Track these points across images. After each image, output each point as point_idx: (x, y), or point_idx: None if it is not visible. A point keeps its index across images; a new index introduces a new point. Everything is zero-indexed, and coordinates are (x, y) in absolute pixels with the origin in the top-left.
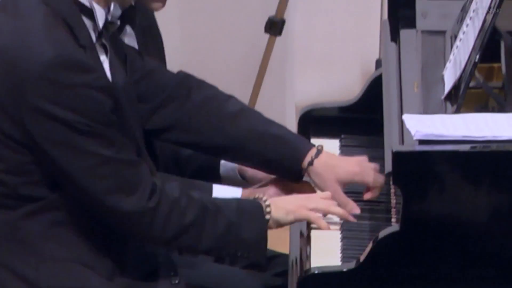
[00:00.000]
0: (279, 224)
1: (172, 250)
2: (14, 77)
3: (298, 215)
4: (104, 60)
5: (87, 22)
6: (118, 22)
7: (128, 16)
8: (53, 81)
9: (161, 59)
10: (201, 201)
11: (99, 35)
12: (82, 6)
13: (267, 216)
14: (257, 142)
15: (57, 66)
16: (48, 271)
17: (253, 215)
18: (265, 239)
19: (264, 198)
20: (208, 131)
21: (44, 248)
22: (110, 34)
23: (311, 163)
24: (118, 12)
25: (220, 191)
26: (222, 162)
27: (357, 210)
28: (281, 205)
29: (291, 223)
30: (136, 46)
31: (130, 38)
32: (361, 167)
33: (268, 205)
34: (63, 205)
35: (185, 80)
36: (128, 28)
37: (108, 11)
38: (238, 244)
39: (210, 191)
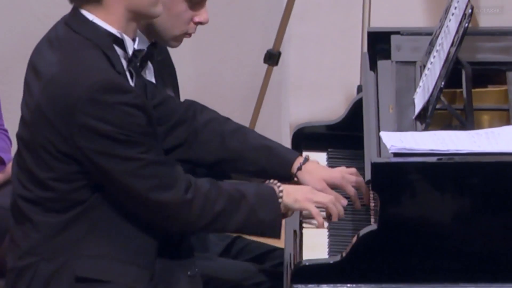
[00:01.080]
0: (287, 209)
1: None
2: (65, 100)
3: (304, 205)
4: (132, 82)
5: (118, 50)
6: (145, 49)
7: (149, 53)
8: (98, 102)
9: (175, 87)
10: (228, 190)
11: (129, 62)
12: (114, 36)
13: (280, 200)
14: (253, 153)
15: (101, 89)
16: (90, 264)
17: (269, 199)
18: (279, 218)
19: (278, 184)
20: (211, 146)
21: (87, 245)
22: (137, 61)
23: (299, 168)
24: (145, 44)
25: None
26: None
27: (344, 202)
28: (291, 192)
29: (296, 210)
30: (153, 78)
31: (149, 71)
32: (341, 174)
33: (281, 190)
34: (102, 206)
35: (191, 106)
36: (148, 63)
37: (134, 41)
38: (258, 225)
39: None
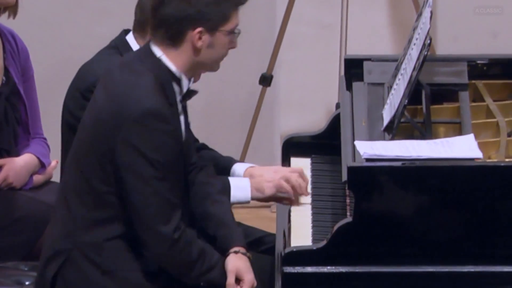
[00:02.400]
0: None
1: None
2: (118, 115)
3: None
4: (181, 118)
5: (175, 87)
6: (198, 90)
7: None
8: (142, 124)
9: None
10: (203, 252)
11: (183, 98)
12: (173, 75)
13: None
14: (212, 221)
15: (149, 115)
16: (112, 258)
17: (219, 267)
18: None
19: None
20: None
21: (111, 243)
22: (187, 98)
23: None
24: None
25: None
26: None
27: None
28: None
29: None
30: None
31: None
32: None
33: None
34: (125, 213)
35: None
36: None
37: (190, 81)
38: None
39: (228, 183)
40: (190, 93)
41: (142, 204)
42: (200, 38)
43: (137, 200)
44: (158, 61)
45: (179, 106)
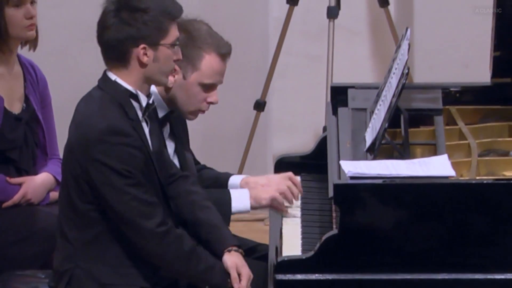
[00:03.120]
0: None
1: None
2: (84, 139)
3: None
4: (146, 130)
5: (134, 104)
6: (154, 104)
7: (167, 117)
8: (105, 141)
9: (186, 135)
10: (195, 249)
11: (144, 112)
12: (130, 92)
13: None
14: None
15: (108, 132)
16: (110, 273)
17: (220, 272)
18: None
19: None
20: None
21: (108, 258)
22: (150, 112)
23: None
24: (165, 111)
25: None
26: (229, 182)
27: None
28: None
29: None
30: (167, 135)
31: (166, 130)
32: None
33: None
34: (113, 227)
35: (182, 181)
36: (167, 124)
37: (149, 98)
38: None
39: (229, 194)
40: (149, 106)
41: (124, 210)
42: (145, 53)
43: (119, 209)
44: (115, 83)
45: (142, 121)
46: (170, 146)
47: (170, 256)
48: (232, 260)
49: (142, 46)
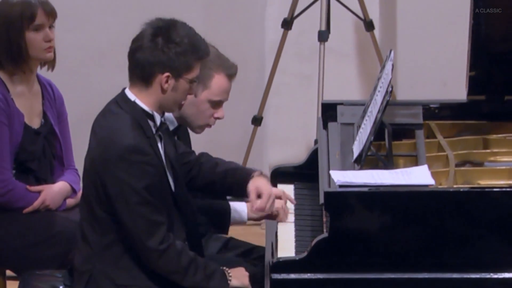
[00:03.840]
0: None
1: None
2: (105, 155)
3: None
4: (160, 144)
5: (150, 122)
6: (168, 123)
7: (176, 130)
8: (126, 159)
9: (189, 145)
10: (193, 258)
11: (157, 130)
12: (147, 113)
13: (230, 281)
14: (228, 174)
15: (129, 151)
16: (123, 275)
17: (221, 277)
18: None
19: (229, 272)
20: (206, 173)
21: (121, 261)
22: (164, 129)
23: (252, 177)
24: (174, 125)
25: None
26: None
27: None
28: (235, 275)
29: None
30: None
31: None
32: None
33: (230, 275)
34: (120, 239)
35: (199, 157)
36: (176, 139)
37: (162, 116)
38: None
39: (229, 207)
40: (162, 125)
41: (131, 225)
42: (167, 81)
43: (127, 223)
44: (134, 103)
45: (156, 137)
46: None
47: (169, 269)
48: (252, 184)
49: (166, 74)
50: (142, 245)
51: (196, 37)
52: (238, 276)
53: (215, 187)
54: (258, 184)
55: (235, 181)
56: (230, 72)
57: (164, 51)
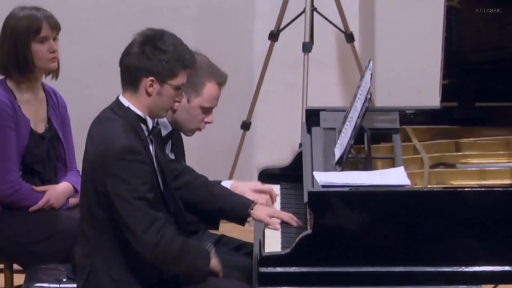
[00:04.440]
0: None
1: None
2: (103, 157)
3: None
4: (151, 147)
5: (143, 126)
6: (162, 127)
7: (170, 135)
8: (123, 159)
9: (181, 148)
10: (183, 243)
11: (149, 133)
12: (140, 117)
13: (210, 258)
14: (224, 198)
15: (125, 151)
16: (119, 270)
17: (203, 257)
18: (207, 271)
19: (210, 252)
20: (198, 191)
21: (117, 257)
22: (155, 133)
23: (252, 208)
24: (168, 129)
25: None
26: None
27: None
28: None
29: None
30: (169, 150)
31: (168, 146)
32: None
33: (211, 253)
34: (117, 236)
35: (188, 169)
36: (169, 141)
37: (153, 121)
38: (195, 271)
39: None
40: (154, 129)
41: (129, 220)
42: (151, 85)
43: (125, 217)
44: (128, 109)
45: (148, 140)
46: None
47: (164, 258)
48: (260, 212)
49: (151, 78)
50: (139, 237)
51: (182, 47)
52: (214, 264)
53: (206, 206)
54: (267, 212)
55: (230, 207)
56: (221, 80)
57: (149, 57)
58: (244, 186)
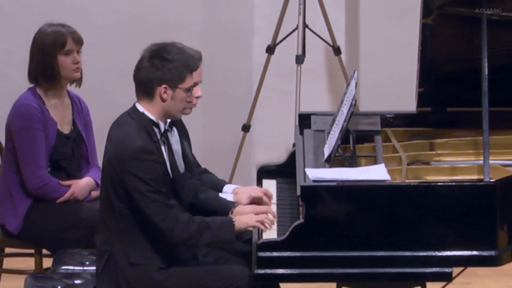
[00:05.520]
0: (239, 229)
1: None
2: (121, 156)
3: (250, 224)
4: (164, 148)
5: (156, 129)
6: (170, 129)
7: (172, 124)
8: (138, 158)
9: (188, 138)
10: (200, 223)
11: (161, 136)
12: (153, 121)
13: (234, 224)
14: (212, 201)
15: (139, 151)
16: (136, 255)
17: (227, 227)
18: (234, 238)
19: (233, 217)
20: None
21: (135, 243)
22: (166, 135)
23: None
24: (166, 124)
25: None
26: (224, 189)
27: (270, 215)
28: (240, 220)
29: (245, 229)
30: (177, 136)
31: (174, 133)
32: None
33: (234, 221)
34: (141, 221)
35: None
36: (174, 128)
37: (165, 124)
38: (220, 241)
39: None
40: (166, 131)
41: (147, 210)
42: (165, 92)
43: (143, 208)
44: (142, 114)
45: (161, 141)
46: (178, 149)
47: (183, 239)
48: (242, 217)
49: (164, 86)
50: (156, 224)
51: (185, 54)
52: (242, 222)
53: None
54: (246, 212)
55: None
56: (197, 56)
57: (159, 68)
58: (242, 193)
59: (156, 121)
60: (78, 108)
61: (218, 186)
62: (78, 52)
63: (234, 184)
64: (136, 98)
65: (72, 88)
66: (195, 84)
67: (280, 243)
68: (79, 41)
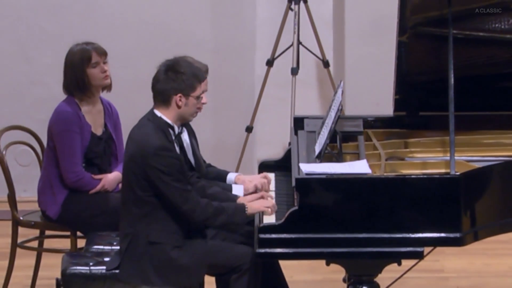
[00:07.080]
0: (251, 214)
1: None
2: (143, 153)
3: (261, 209)
4: (177, 148)
5: (171, 131)
6: (183, 131)
7: (183, 124)
8: (158, 155)
9: (197, 142)
10: (216, 206)
11: (175, 138)
12: (169, 124)
13: (246, 210)
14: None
15: (160, 148)
16: (155, 234)
17: (241, 211)
18: (245, 221)
19: (245, 204)
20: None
21: (155, 225)
22: (179, 136)
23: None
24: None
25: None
26: (228, 177)
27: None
28: (252, 206)
29: (255, 214)
30: (187, 136)
31: (186, 133)
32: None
33: (246, 207)
34: (161, 206)
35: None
36: (184, 129)
37: (179, 128)
38: (234, 223)
39: (231, 188)
40: (180, 133)
41: (171, 196)
42: (180, 100)
43: (167, 195)
44: (160, 119)
45: (175, 142)
46: (189, 149)
47: (202, 219)
48: (254, 203)
49: (179, 95)
50: (180, 209)
51: (194, 66)
52: (253, 207)
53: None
54: (254, 207)
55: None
56: (204, 69)
57: (174, 79)
58: (247, 182)
59: (171, 124)
60: (109, 112)
61: (222, 175)
62: (104, 62)
63: (235, 173)
64: (153, 105)
65: (104, 94)
66: (203, 93)
67: (278, 226)
68: (103, 53)
